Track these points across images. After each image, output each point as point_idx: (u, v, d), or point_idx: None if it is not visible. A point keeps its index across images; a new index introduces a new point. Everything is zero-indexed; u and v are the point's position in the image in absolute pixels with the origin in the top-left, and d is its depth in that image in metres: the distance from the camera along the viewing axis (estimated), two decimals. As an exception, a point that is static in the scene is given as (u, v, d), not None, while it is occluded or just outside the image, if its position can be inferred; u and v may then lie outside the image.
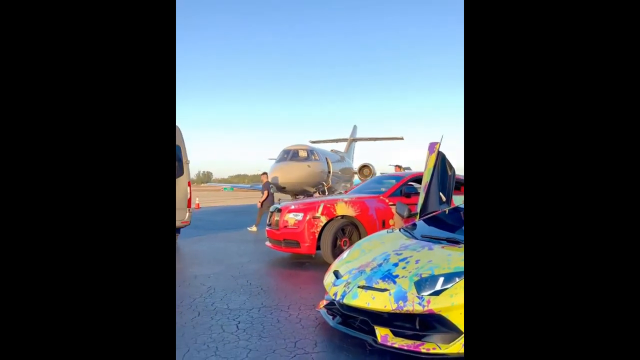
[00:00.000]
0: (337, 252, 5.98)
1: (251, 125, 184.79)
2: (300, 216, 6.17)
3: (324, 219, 6.09)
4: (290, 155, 14.51)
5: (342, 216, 6.20)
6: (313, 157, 14.84)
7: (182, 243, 8.62)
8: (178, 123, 8.41)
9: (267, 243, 6.83)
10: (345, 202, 6.31)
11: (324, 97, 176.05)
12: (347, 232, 6.20)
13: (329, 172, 15.73)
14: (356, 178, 20.85)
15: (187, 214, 8.24)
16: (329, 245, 5.99)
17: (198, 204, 21.42)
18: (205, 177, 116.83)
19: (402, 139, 23.74)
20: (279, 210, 6.54)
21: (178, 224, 8.10)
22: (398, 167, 18.00)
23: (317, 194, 15.47)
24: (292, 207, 6.45)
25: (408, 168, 18.37)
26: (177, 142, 8.30)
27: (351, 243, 6.17)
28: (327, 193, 15.46)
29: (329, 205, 6.20)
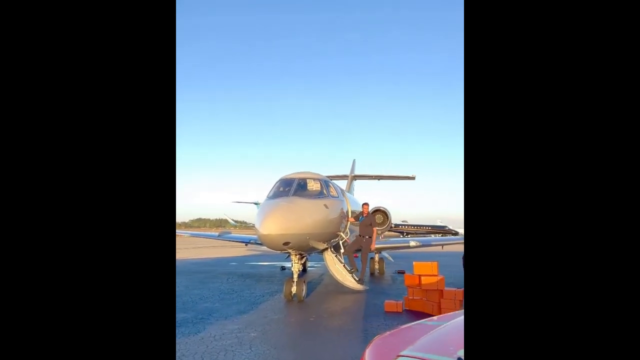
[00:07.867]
0: None
1: (210, 164, 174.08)
2: None
3: None
4: (295, 187, 7.89)
5: None
6: (330, 193, 8.65)
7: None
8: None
9: None
10: None
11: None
12: None
13: (347, 218, 9.75)
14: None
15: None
16: None
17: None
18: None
19: (413, 178, 18.90)
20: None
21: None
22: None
23: (329, 252, 9.31)
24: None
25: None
26: None
27: None
28: (342, 250, 9.49)
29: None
